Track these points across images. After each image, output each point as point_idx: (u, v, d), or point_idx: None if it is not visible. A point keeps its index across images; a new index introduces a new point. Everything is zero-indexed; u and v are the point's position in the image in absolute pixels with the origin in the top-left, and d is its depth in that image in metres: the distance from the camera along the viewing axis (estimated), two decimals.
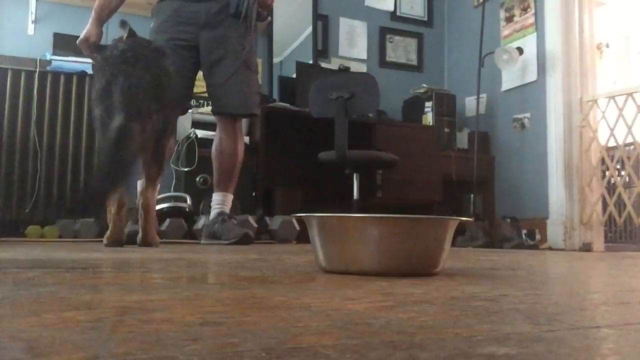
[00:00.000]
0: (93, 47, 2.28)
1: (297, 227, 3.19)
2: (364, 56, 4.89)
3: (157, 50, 1.92)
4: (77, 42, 2.35)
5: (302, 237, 3.08)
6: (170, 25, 2.51)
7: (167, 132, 2.05)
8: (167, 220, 3.03)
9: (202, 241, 2.64)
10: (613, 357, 0.34)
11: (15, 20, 3.79)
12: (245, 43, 2.56)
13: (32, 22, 3.80)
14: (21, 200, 3.36)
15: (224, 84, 2.53)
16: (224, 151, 2.61)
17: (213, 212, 2.59)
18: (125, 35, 1.91)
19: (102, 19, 2.39)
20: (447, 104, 4.56)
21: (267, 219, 3.35)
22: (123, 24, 1.98)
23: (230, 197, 2.65)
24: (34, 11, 3.79)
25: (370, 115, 4.21)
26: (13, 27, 3.78)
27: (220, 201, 2.62)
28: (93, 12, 2.39)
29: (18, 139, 3.38)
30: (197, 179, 3.51)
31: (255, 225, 3.05)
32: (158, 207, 2.65)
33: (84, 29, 2.35)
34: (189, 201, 3.29)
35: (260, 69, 3.68)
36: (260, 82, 3.30)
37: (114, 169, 1.58)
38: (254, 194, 3.71)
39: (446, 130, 4.48)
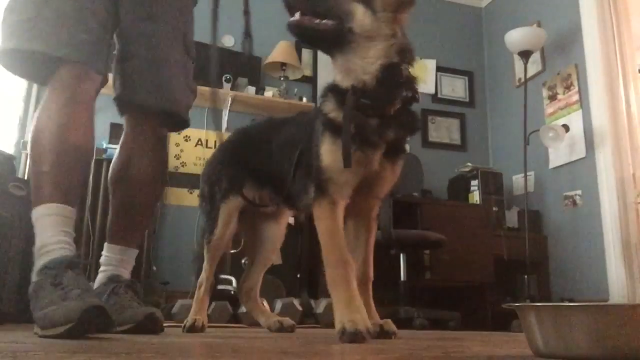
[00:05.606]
0: None
1: None
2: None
3: None
4: None
5: None
6: None
7: None
8: (212, 304, 3.00)
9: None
10: None
11: None
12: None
13: None
14: None
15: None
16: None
17: (101, 276, 1.80)
18: None
19: None
20: (493, 182, 4.49)
21: (312, 301, 3.28)
22: None
23: (134, 253, 1.82)
24: None
25: (415, 194, 4.18)
26: None
27: (115, 260, 1.80)
28: None
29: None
30: (243, 260, 3.51)
31: (300, 309, 2.98)
32: None
33: None
34: (234, 284, 3.28)
35: None
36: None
37: None
38: (298, 276, 3.66)
39: (494, 208, 4.37)
